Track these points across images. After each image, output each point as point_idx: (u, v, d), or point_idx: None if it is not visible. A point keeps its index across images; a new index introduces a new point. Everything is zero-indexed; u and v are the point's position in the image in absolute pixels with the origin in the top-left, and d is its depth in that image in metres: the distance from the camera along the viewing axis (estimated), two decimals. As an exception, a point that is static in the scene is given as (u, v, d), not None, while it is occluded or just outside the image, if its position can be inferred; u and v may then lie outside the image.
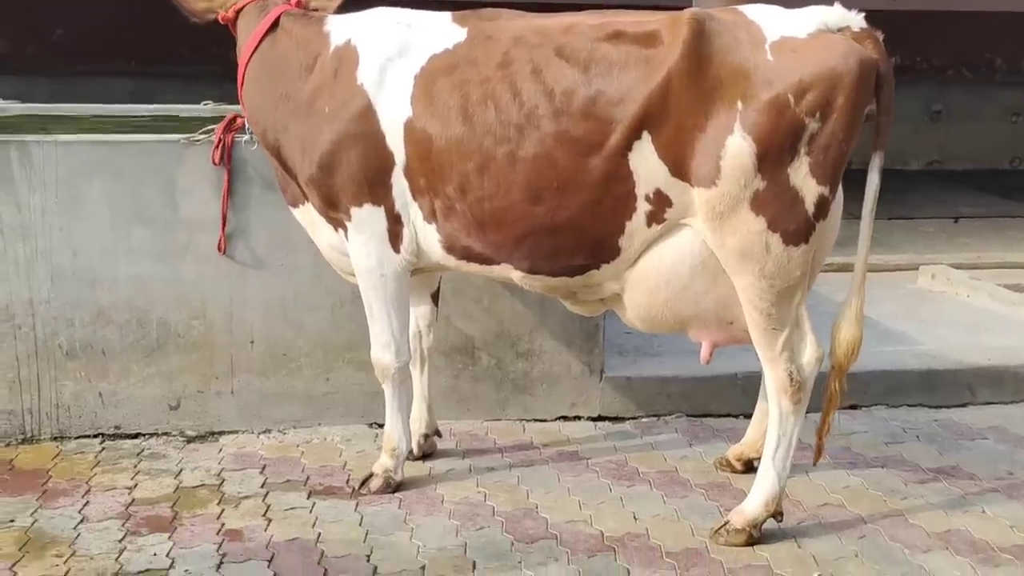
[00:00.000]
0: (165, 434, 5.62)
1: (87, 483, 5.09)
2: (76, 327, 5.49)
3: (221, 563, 4.41)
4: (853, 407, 6.00)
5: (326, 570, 4.37)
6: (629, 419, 5.93)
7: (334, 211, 4.83)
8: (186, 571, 4.35)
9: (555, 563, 4.45)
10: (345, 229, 4.85)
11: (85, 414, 5.56)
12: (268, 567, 4.39)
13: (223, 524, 4.73)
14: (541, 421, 5.86)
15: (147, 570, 4.36)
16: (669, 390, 5.99)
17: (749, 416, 5.87)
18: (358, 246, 4.83)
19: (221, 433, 5.64)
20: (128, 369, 5.56)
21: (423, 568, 4.39)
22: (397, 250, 4.82)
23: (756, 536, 4.60)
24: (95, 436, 5.57)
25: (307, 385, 5.70)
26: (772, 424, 4.66)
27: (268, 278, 5.59)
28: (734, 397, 6.02)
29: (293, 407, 5.70)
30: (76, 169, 5.39)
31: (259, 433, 5.66)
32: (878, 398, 6.12)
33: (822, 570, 4.42)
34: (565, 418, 5.90)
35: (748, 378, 5.97)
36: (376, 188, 4.75)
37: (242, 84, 5.00)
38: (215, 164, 5.39)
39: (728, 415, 6.00)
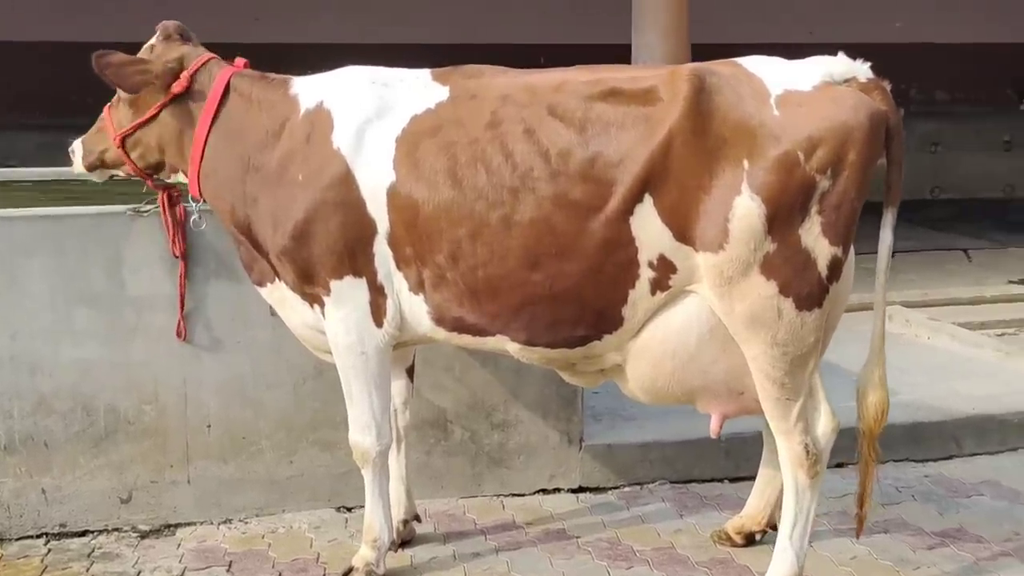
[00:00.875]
0: (116, 530, 5.18)
1: (37, 593, 4.64)
2: (15, 418, 5.04)
3: None
4: (840, 465, 5.75)
5: None
6: (611, 489, 5.63)
7: (310, 286, 4.45)
8: None
9: (567, 665, 4.11)
10: (322, 304, 4.47)
11: (27, 513, 5.10)
12: None
13: (197, 635, 4.31)
14: (519, 496, 5.53)
15: None
16: (651, 456, 5.71)
17: (734, 480, 5.70)
18: (337, 322, 4.46)
19: (178, 526, 5.22)
20: (74, 461, 5.11)
21: None
22: (380, 324, 4.46)
23: (776, 620, 4.32)
24: (38, 536, 5.11)
25: (269, 469, 5.30)
26: (788, 500, 4.39)
27: (224, 357, 5.19)
28: (718, 460, 5.76)
29: (255, 493, 5.29)
30: (14, 246, 4.95)
31: (219, 523, 5.24)
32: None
33: (852, 657, 4.15)
34: (545, 491, 5.58)
35: (731, 440, 5.71)
36: (357, 258, 4.39)
37: (199, 160, 4.59)
38: (174, 255, 5.02)
39: (713, 479, 5.73)
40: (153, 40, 4.73)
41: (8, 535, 5.08)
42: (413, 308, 4.47)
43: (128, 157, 4.71)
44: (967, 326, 8.16)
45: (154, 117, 4.64)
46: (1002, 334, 8.28)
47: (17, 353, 5.00)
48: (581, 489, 5.60)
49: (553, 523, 5.27)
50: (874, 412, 4.37)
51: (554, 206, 4.21)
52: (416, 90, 4.48)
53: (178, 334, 5.05)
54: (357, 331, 4.46)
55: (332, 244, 4.38)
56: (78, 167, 4.88)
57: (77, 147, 4.87)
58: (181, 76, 4.61)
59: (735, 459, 5.73)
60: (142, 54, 4.69)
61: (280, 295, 4.65)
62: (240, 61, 4.77)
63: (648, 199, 4.17)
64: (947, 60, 14.48)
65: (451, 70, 4.57)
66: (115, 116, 4.73)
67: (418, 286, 4.42)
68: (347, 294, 4.43)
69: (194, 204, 4.79)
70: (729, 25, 12.96)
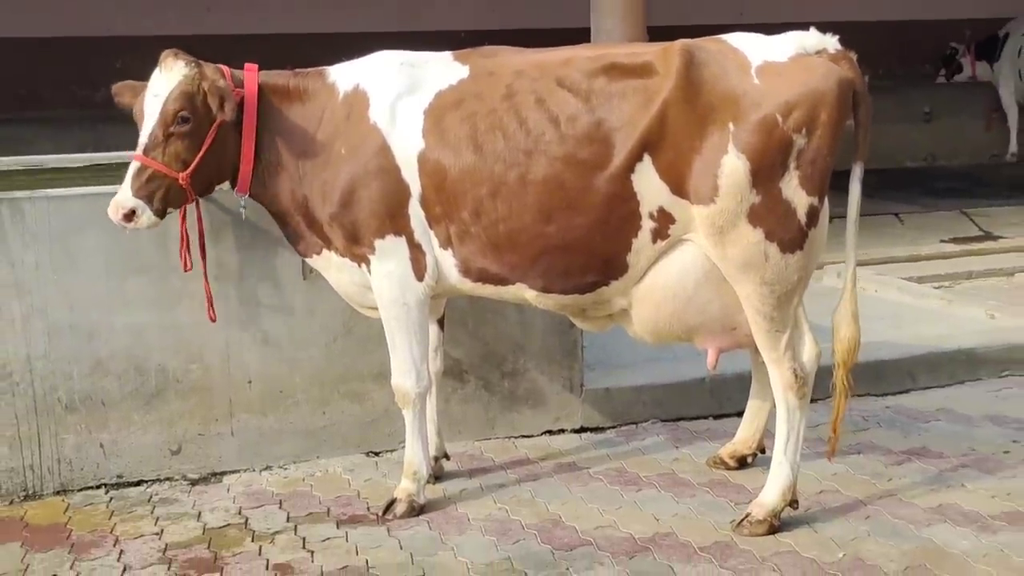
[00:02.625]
0: (168, 479, 5.67)
1: (111, 533, 5.13)
2: (75, 380, 5.51)
3: (285, 596, 4.54)
4: (813, 400, 6.36)
5: (389, 593, 4.54)
6: (610, 428, 6.22)
7: (358, 246, 5.01)
8: (255, 607, 4.46)
9: (601, 567, 4.71)
10: (368, 263, 5.03)
11: (87, 466, 5.58)
12: (333, 595, 4.54)
13: (268, 560, 4.84)
14: (529, 437, 6.11)
15: (214, 609, 4.46)
16: (644, 398, 6.31)
17: (718, 416, 6.32)
18: (382, 277, 5.02)
19: (224, 473, 5.72)
20: (128, 418, 5.60)
21: (480, 582, 4.60)
22: (420, 278, 5.03)
23: (777, 525, 4.94)
24: (98, 487, 5.58)
25: (305, 420, 5.82)
26: (780, 419, 5.02)
27: (262, 319, 5.70)
28: (704, 400, 6.39)
29: (292, 442, 5.81)
30: (69, 223, 5.41)
31: (261, 470, 5.75)
32: (830, 391, 6.53)
33: (845, 550, 4.78)
34: (551, 432, 6.15)
35: (715, 381, 6.35)
36: (396, 219, 4.96)
37: (251, 159, 5.01)
38: (184, 270, 5.29)
39: (699, 417, 6.35)
40: (189, 69, 4.85)
41: (71, 486, 5.55)
42: (444, 262, 5.05)
43: (192, 188, 4.88)
44: (917, 281, 8.87)
45: (215, 138, 4.89)
46: (939, 287, 9.00)
47: (76, 321, 5.47)
48: (583, 429, 6.19)
49: (563, 458, 5.85)
50: (847, 345, 5.02)
51: (564, 165, 4.81)
52: (440, 69, 5.06)
53: (210, 317, 5.39)
54: (400, 285, 5.02)
55: (374, 207, 4.95)
56: (149, 220, 4.84)
57: (134, 203, 4.79)
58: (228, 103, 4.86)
59: (719, 398, 6.37)
60: (164, 83, 4.85)
61: (327, 262, 5.19)
62: (251, 65, 5.17)
63: (647, 159, 4.78)
64: (868, 37, 15.15)
65: (470, 51, 5.16)
66: (165, 156, 4.81)
67: (446, 242, 4.99)
68: (390, 251, 4.99)
69: (239, 198, 5.18)
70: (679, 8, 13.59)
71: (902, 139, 14.90)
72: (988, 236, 10.77)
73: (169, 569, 4.78)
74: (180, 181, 4.84)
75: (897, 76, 15.91)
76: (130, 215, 4.80)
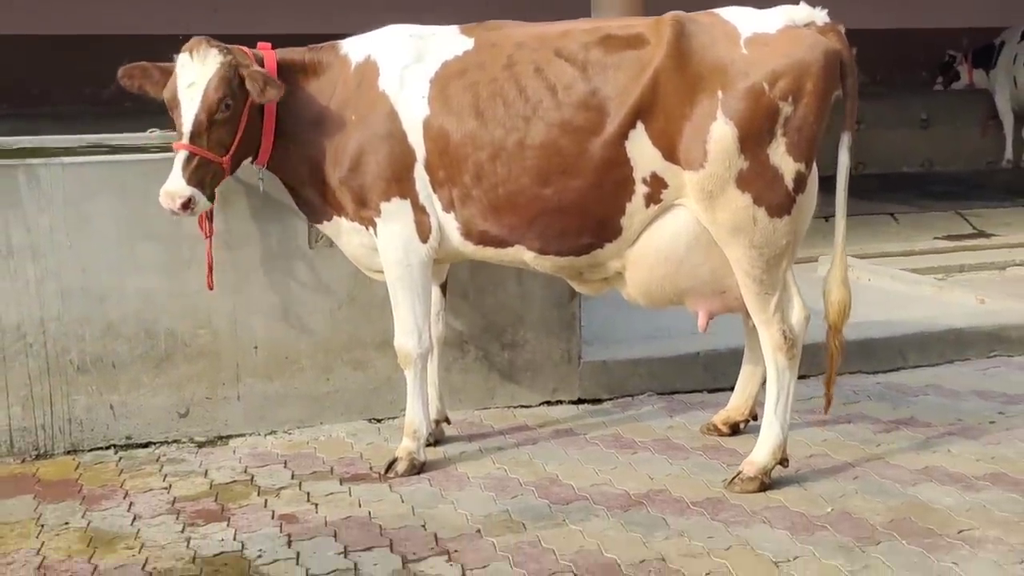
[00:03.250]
0: (176, 441, 5.82)
1: (121, 487, 5.28)
2: (86, 342, 5.67)
3: (290, 541, 4.68)
4: (803, 376, 6.52)
5: (391, 539, 4.68)
6: (606, 400, 6.37)
7: (365, 209, 5.19)
8: (260, 550, 4.61)
9: (596, 518, 4.86)
10: (375, 226, 5.20)
11: (97, 427, 5.73)
12: (336, 540, 4.68)
13: (273, 511, 4.99)
14: (527, 407, 6.26)
15: (221, 553, 4.61)
16: (640, 371, 6.47)
17: (712, 391, 6.46)
18: (387, 238, 5.20)
19: (230, 437, 5.87)
20: (138, 380, 5.75)
21: (479, 531, 4.75)
22: (424, 239, 5.20)
23: (767, 483, 5.10)
24: (107, 448, 5.73)
25: (309, 386, 5.97)
26: (771, 380, 5.18)
27: (269, 285, 5.86)
28: (697, 374, 6.54)
29: (297, 408, 5.97)
30: (83, 189, 5.58)
31: (266, 434, 5.91)
32: (822, 367, 6.68)
33: (832, 505, 4.93)
34: (549, 403, 6.31)
35: (708, 356, 6.53)
36: (402, 183, 5.15)
37: (272, 133, 5.21)
38: (204, 237, 5.44)
39: (693, 391, 6.50)
40: (224, 56, 5.00)
41: (81, 447, 5.70)
42: (447, 225, 5.23)
43: (230, 169, 5.11)
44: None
45: (249, 120, 5.09)
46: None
47: (88, 284, 5.63)
48: (580, 400, 6.34)
49: (562, 425, 6.01)
50: (838, 308, 5.20)
51: (560, 131, 5.00)
52: (446, 41, 5.27)
53: (208, 286, 5.54)
54: (404, 246, 5.20)
55: (381, 171, 5.14)
56: (205, 204, 5.01)
57: (190, 191, 4.90)
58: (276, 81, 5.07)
59: (712, 372, 6.52)
60: (200, 70, 4.99)
61: (336, 228, 5.39)
62: (264, 44, 5.36)
63: (640, 126, 4.97)
64: (867, 45, 15.38)
65: (476, 25, 5.36)
66: (209, 142, 4.96)
67: (449, 205, 5.18)
68: (395, 214, 5.18)
69: (257, 169, 5.40)
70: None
71: (900, 145, 15.08)
72: (981, 234, 10.94)
73: (178, 519, 4.93)
74: (223, 164, 5.03)
75: (895, 83, 16.10)
76: (187, 203, 4.92)
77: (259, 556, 4.56)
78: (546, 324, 6.28)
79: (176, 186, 4.91)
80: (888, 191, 13.50)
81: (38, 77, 13.72)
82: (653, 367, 6.50)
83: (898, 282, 8.43)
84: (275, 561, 4.52)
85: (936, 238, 10.70)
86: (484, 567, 4.43)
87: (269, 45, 5.35)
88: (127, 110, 11.01)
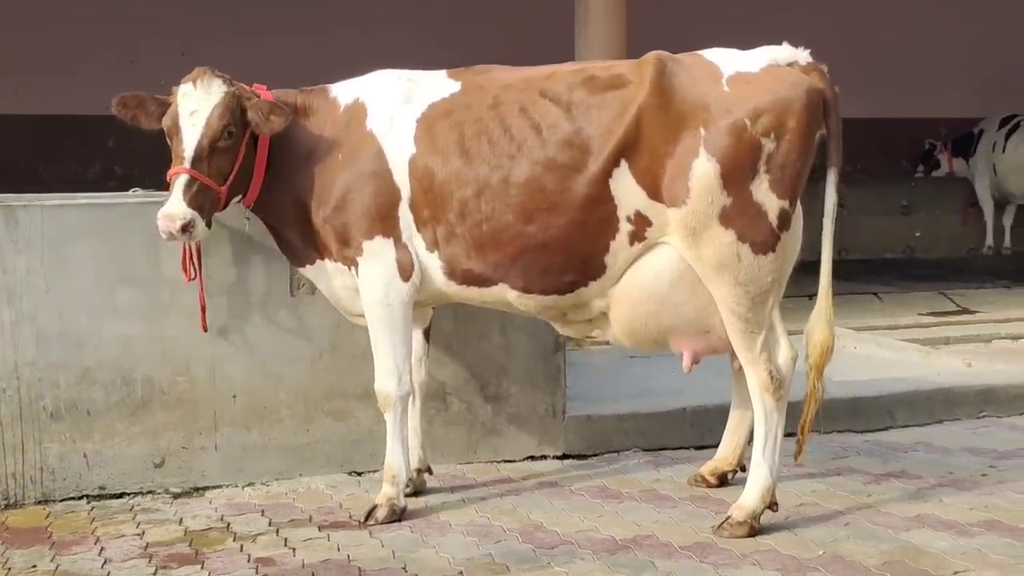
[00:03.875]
0: (150, 492, 5.67)
1: (93, 534, 5.14)
2: (61, 388, 5.55)
3: (266, 582, 4.54)
4: (790, 435, 6.44)
5: (371, 580, 4.55)
6: (592, 456, 6.25)
7: (347, 248, 5.14)
8: (236, 590, 4.46)
9: (581, 561, 4.73)
10: (357, 265, 5.14)
11: (70, 476, 5.59)
12: (314, 581, 4.54)
13: (249, 555, 4.85)
14: (511, 462, 6.13)
15: (195, 593, 4.46)
16: (626, 426, 6.36)
17: (700, 448, 6.34)
18: (368, 277, 5.14)
19: (206, 488, 5.72)
20: (113, 428, 5.62)
21: (461, 573, 4.61)
22: (406, 279, 5.15)
23: (757, 527, 4.98)
24: (80, 498, 5.58)
25: (288, 437, 5.85)
26: (758, 422, 5.09)
27: (249, 333, 5.76)
28: (684, 430, 6.44)
29: (275, 459, 5.83)
30: (62, 232, 5.51)
31: (243, 486, 5.76)
32: (811, 425, 6.60)
33: (824, 549, 4.81)
34: (533, 457, 6.18)
35: (695, 412, 6.44)
36: (385, 221, 5.11)
37: (263, 172, 5.21)
38: (187, 279, 5.44)
39: (680, 447, 6.38)
40: (228, 86, 5.06)
41: (53, 496, 5.55)
42: (429, 264, 5.18)
43: (225, 200, 5.10)
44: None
45: (245, 152, 5.10)
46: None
47: (65, 329, 5.53)
48: (565, 456, 6.22)
49: (546, 478, 5.89)
50: (820, 349, 5.13)
51: (544, 169, 4.99)
52: (434, 84, 5.30)
53: (203, 327, 5.53)
54: (385, 285, 5.14)
55: (366, 209, 5.10)
56: (203, 231, 4.99)
57: (191, 215, 4.88)
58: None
59: (699, 429, 6.41)
60: (203, 99, 5.02)
61: (319, 270, 5.34)
62: (260, 86, 5.38)
63: (624, 164, 4.96)
64: (849, 133, 15.58)
65: (463, 69, 5.40)
66: (209, 169, 4.96)
67: (433, 244, 5.13)
68: (377, 252, 5.13)
69: (244, 210, 5.36)
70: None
71: (881, 231, 15.16)
72: (965, 311, 10.88)
73: (150, 562, 4.79)
74: (220, 194, 5.02)
75: (876, 171, 16.21)
76: (187, 226, 4.87)
77: (234, 596, 4.42)
78: (530, 377, 6.18)
79: (177, 208, 4.87)
80: (871, 273, 13.52)
81: (26, 156, 13.73)
82: (639, 423, 6.39)
83: (884, 349, 8.38)
84: (250, 600, 4.38)
85: (920, 314, 10.64)
86: (467, 606, 4.29)
87: (264, 87, 5.34)
88: (111, 189, 10.99)
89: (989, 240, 15.18)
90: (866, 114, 16.21)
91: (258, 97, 5.17)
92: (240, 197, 5.25)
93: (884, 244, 15.23)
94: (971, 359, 7.92)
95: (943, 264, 14.39)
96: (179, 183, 4.90)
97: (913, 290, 12.16)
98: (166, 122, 5.05)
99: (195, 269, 5.42)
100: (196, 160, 4.94)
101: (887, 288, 12.21)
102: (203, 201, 4.95)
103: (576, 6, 9.88)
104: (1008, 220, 15.27)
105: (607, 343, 8.46)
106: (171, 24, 13.70)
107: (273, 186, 5.25)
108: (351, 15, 14.43)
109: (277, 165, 5.24)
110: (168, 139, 5.07)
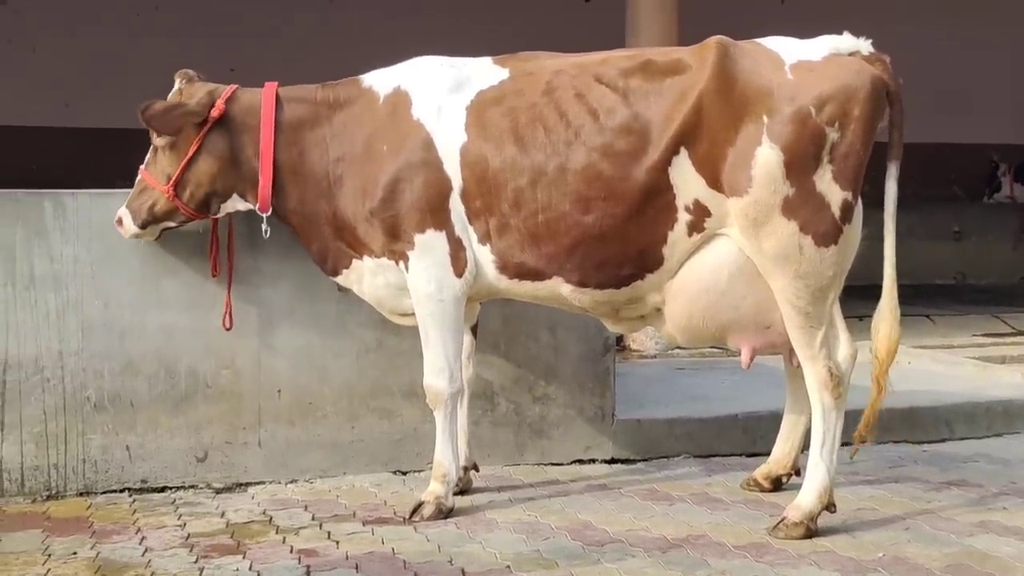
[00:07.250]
0: (192, 487, 5.58)
1: (134, 525, 5.05)
2: (105, 379, 5.48)
3: (309, 573, 4.43)
4: (846, 444, 6.27)
5: (416, 573, 4.42)
6: (640, 460, 6.11)
7: (397, 242, 5.03)
8: (278, 580, 4.35)
9: (633, 558, 4.59)
10: (406, 260, 5.03)
11: (112, 468, 5.51)
12: (358, 572, 4.42)
13: (292, 546, 4.75)
14: (558, 465, 6.00)
15: (236, 581, 4.36)
16: (676, 431, 6.22)
17: (752, 455, 6.18)
18: (419, 272, 5.02)
19: (249, 484, 5.63)
20: (156, 420, 5.54)
21: (508, 567, 4.49)
22: (459, 274, 5.02)
23: (814, 529, 4.83)
24: (122, 491, 5.50)
25: (333, 434, 5.75)
26: (816, 420, 4.94)
27: (294, 327, 5.67)
28: (736, 437, 6.28)
29: (319, 456, 5.73)
30: (110, 220, 5.43)
31: (287, 483, 5.66)
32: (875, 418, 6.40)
33: (884, 551, 4.65)
34: (581, 461, 6.04)
35: (747, 418, 6.28)
36: (437, 213, 4.98)
37: (271, 174, 5.13)
38: (214, 274, 5.49)
39: (732, 454, 6.23)
40: (178, 86, 5.24)
41: (94, 489, 5.47)
42: (481, 258, 5.05)
43: (180, 201, 5.12)
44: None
45: (198, 151, 5.09)
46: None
47: (109, 319, 5.47)
48: (614, 460, 6.08)
49: (594, 481, 5.75)
50: (886, 343, 4.98)
51: (602, 156, 4.86)
52: (480, 70, 5.18)
53: (224, 325, 5.47)
54: (437, 281, 5.02)
55: (416, 200, 4.98)
56: (131, 230, 5.19)
57: (124, 213, 5.18)
58: (216, 105, 5.10)
59: (752, 436, 6.26)
60: (171, 99, 5.18)
61: (358, 273, 5.23)
62: (271, 83, 5.30)
63: (684, 151, 4.83)
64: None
65: (509, 56, 5.26)
66: (156, 170, 5.15)
67: (485, 236, 5.01)
68: (429, 246, 5.01)
69: (263, 216, 5.24)
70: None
71: (931, 256, 14.92)
72: (1021, 333, 10.68)
73: (191, 552, 4.69)
74: (166, 194, 5.08)
75: (926, 196, 16.00)
76: (119, 222, 5.23)
77: (276, 585, 4.31)
78: (579, 378, 6.05)
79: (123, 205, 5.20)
80: (921, 298, 13.31)
81: (75, 167, 13.75)
82: (690, 428, 6.25)
83: (939, 364, 8.18)
84: (293, 590, 4.27)
85: (975, 335, 10.44)
86: (515, 598, 4.17)
87: (275, 84, 5.27)
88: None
89: (1042, 267, 14.93)
90: (915, 139, 16.09)
91: (249, 102, 5.15)
92: (253, 202, 5.22)
93: (934, 270, 14.99)
94: (1030, 374, 7.71)
95: (994, 290, 14.16)
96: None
97: (966, 313, 11.96)
98: None
99: (224, 264, 5.41)
100: (147, 160, 5.24)
101: (939, 311, 12.01)
102: (143, 201, 5.17)
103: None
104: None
105: (654, 356, 8.52)
106: (220, 40, 13.73)
107: (296, 188, 5.16)
108: (398, 43, 14.42)
109: (301, 165, 5.14)
110: None
